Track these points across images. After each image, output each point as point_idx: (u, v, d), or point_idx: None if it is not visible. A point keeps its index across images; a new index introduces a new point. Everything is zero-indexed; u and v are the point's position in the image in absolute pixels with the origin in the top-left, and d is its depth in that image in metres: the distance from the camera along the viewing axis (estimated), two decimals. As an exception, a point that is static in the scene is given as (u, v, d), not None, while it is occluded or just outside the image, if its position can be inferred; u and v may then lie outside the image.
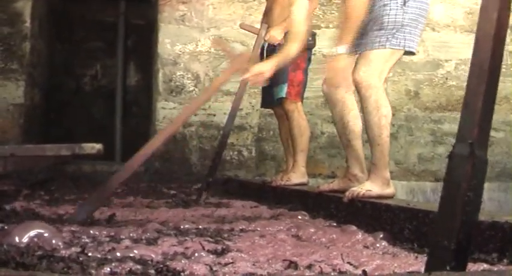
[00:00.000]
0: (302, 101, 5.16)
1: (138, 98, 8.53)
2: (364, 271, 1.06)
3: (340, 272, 1.96)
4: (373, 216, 3.13)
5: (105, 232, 2.86)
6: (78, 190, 5.53)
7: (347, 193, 3.50)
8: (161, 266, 1.97)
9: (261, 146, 7.06)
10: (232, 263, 2.12)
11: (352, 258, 2.28)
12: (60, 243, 2.47)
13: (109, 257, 2.13)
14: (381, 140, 3.48)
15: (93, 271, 1.82)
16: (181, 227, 3.15)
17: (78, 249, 2.23)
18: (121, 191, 5.47)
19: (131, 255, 2.18)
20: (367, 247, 2.63)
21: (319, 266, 2.08)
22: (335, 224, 3.32)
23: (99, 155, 3.62)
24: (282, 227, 3.27)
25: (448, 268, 1.52)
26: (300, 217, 3.68)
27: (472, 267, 1.72)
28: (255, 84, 4.95)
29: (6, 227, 2.77)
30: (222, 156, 5.20)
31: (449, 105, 7.06)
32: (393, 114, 3.64)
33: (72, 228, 2.92)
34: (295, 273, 1.95)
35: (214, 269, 1.97)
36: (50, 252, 2.13)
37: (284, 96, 4.96)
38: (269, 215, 3.84)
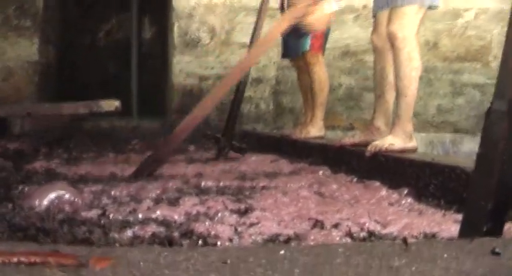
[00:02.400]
0: (323, 53, 5.07)
1: (153, 52, 8.44)
2: (404, 239, 1.01)
3: (370, 233, 1.92)
4: (397, 171, 3.06)
5: (125, 192, 2.83)
6: (97, 147, 5.51)
7: (369, 147, 3.43)
8: (185, 228, 1.93)
9: (279, 99, 6.98)
10: (257, 223, 2.08)
11: (378, 216, 2.23)
12: (81, 205, 2.46)
13: (131, 219, 2.10)
14: (408, 92, 3.42)
15: (115, 235, 1.79)
16: (202, 184, 3.11)
17: (100, 212, 2.19)
18: (139, 147, 5.47)
19: (153, 216, 2.15)
20: (392, 204, 2.57)
21: (347, 225, 2.03)
22: (357, 180, 3.27)
23: (118, 111, 3.57)
24: (303, 183, 3.22)
25: (484, 229, 1.47)
26: (321, 172, 3.63)
27: (510, 228, 1.66)
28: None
29: (26, 189, 2.75)
30: (239, 110, 5.09)
31: (469, 55, 6.90)
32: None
33: (93, 189, 2.90)
34: (321, 233, 1.90)
35: (239, 230, 1.93)
36: (71, 216, 2.10)
37: (308, 48, 4.87)
38: (289, 170, 3.79)
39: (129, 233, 1.82)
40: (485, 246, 1.00)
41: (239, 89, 4.73)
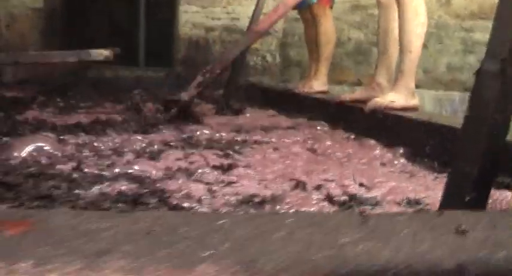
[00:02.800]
0: (332, 7, 4.90)
1: (161, 2, 8.25)
2: (362, 211, 0.90)
3: (350, 196, 1.80)
4: (394, 129, 2.94)
5: (110, 144, 2.73)
6: (98, 96, 5.42)
7: (369, 103, 3.31)
8: (157, 185, 1.83)
9: (286, 52, 6.84)
10: (235, 182, 1.98)
11: (365, 178, 2.12)
12: (59, 156, 2.37)
13: (105, 173, 2.00)
14: (413, 48, 3.28)
15: (81, 191, 1.69)
16: (192, 137, 3.01)
17: (75, 164, 2.09)
18: (140, 96, 5.35)
19: (129, 171, 2.05)
20: (384, 164, 2.46)
21: (328, 187, 1.92)
22: (354, 137, 3.16)
23: (109, 60, 3.45)
24: (298, 138, 3.11)
25: (467, 199, 1.35)
26: (318, 128, 3.52)
27: (494, 195, 1.54)
28: None
29: (9, 140, 2.66)
30: (244, 62, 4.94)
31: (482, 13, 6.66)
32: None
33: (78, 140, 2.80)
34: (300, 195, 1.79)
35: (213, 189, 1.83)
36: (43, 169, 2.00)
37: (315, 0, 4.70)
38: (287, 125, 3.68)
39: (95, 189, 1.72)
40: (454, 221, 0.89)
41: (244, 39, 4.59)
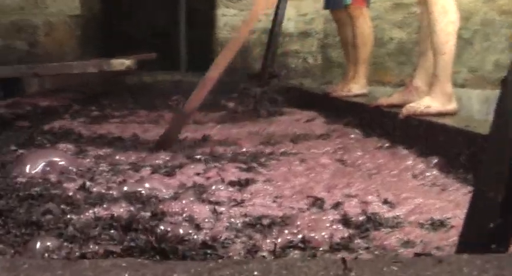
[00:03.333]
0: (368, 5, 4.72)
1: (200, 6, 8.18)
2: (343, 260, 0.77)
3: (368, 218, 1.65)
4: (428, 137, 2.76)
5: (133, 157, 2.64)
6: (133, 104, 5.37)
7: (403, 109, 3.14)
8: (160, 206, 1.71)
9: (327, 53, 6.67)
10: (248, 200, 1.85)
11: (392, 192, 1.97)
12: (72, 172, 2.28)
13: (111, 192, 1.90)
14: (446, 49, 3.08)
15: (74, 216, 1.58)
16: (217, 149, 2.90)
17: (82, 183, 1.99)
18: (177, 103, 5.27)
19: (138, 189, 1.94)
20: (415, 176, 2.29)
21: (347, 206, 1.78)
22: (388, 145, 2.99)
23: (131, 70, 3.36)
24: (328, 148, 2.97)
25: (491, 225, 1.19)
26: (352, 136, 3.37)
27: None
28: None
29: (25, 153, 2.59)
30: (273, 62, 4.78)
31: (529, 8, 6.38)
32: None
33: (100, 153, 2.72)
34: (314, 216, 1.65)
35: (220, 210, 1.70)
36: (45, 190, 1.91)
37: (349, 3, 4.53)
38: (320, 132, 3.54)
39: (90, 214, 1.61)
40: (452, 271, 0.74)
41: (271, 40, 4.47)
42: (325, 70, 6.72)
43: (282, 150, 2.93)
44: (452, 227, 1.56)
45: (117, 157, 2.62)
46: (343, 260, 0.79)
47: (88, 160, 2.54)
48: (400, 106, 3.27)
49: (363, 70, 4.62)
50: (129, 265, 0.79)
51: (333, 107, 4.48)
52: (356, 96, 4.50)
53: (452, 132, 2.54)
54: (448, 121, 2.76)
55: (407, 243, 1.44)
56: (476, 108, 6.04)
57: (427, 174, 2.30)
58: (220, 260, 0.83)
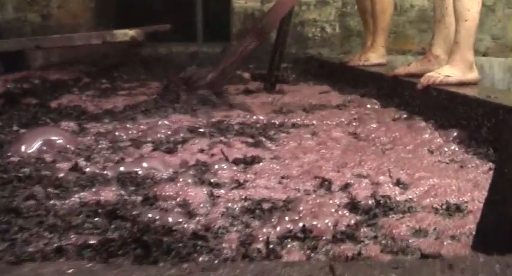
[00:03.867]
0: (387, -28, 4.53)
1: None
2: (331, 267, 0.64)
3: (378, 202, 1.51)
4: (448, 108, 2.60)
5: (134, 131, 2.52)
6: (147, 74, 5.25)
7: (422, 79, 2.98)
8: (154, 189, 1.59)
9: (346, 22, 6.48)
10: (251, 181, 1.72)
11: (406, 171, 1.83)
12: (70, 150, 2.17)
13: (105, 173, 1.78)
14: (469, 15, 2.91)
15: (58, 202, 1.47)
16: (225, 122, 2.77)
17: (73, 163, 1.88)
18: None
19: (135, 169, 1.82)
20: (431, 152, 2.14)
21: (356, 187, 1.64)
22: (405, 116, 2.84)
23: (136, 41, 3.22)
24: (342, 119, 2.83)
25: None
26: (368, 106, 3.22)
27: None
28: None
29: (24, 131, 2.49)
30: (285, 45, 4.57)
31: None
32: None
33: (101, 130, 2.60)
34: (320, 199, 1.52)
35: (217, 193, 1.57)
36: (36, 171, 1.80)
37: (366, -33, 4.35)
38: (337, 103, 3.39)
39: (75, 198, 1.49)
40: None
41: (279, 39, 4.26)
42: (343, 39, 6.55)
43: (294, 120, 2.79)
44: (469, 212, 1.42)
45: (117, 133, 2.50)
46: (331, 268, 0.66)
47: (88, 138, 2.42)
48: (419, 76, 3.12)
49: (381, 39, 4.45)
50: (74, 272, 0.67)
51: (350, 77, 4.34)
52: (374, 65, 4.34)
53: (473, 103, 2.38)
54: (468, 91, 2.60)
55: (419, 232, 1.30)
56: (499, 77, 5.84)
57: (445, 149, 2.14)
58: (185, 265, 0.72)
